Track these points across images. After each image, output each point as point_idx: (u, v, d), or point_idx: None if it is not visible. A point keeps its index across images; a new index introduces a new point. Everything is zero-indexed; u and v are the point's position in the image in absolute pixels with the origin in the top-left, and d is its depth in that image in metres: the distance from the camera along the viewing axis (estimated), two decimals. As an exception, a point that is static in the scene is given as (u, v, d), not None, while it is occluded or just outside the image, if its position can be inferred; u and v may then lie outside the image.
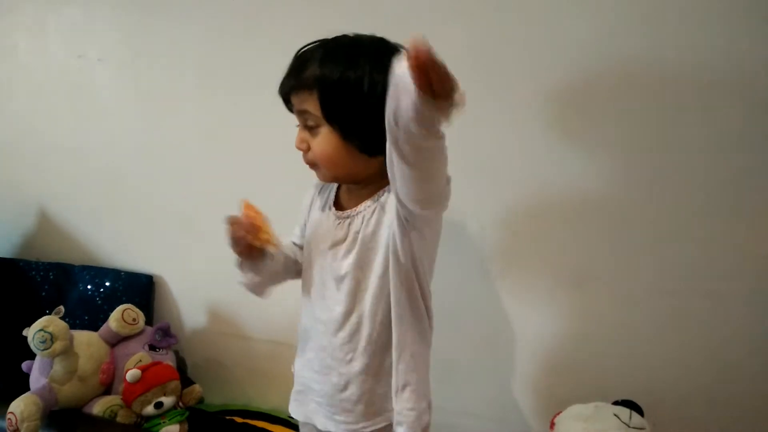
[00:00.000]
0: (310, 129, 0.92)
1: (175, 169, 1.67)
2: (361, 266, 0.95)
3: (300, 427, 1.16)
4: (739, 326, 1.18)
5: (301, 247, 1.10)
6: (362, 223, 0.94)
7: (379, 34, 0.91)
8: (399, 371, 0.96)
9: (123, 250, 1.81)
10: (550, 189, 1.26)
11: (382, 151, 0.80)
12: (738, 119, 1.11)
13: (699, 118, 1.13)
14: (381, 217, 0.93)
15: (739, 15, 1.07)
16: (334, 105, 0.88)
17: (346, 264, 0.95)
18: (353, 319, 0.96)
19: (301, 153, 0.96)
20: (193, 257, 1.72)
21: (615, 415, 1.16)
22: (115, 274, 1.77)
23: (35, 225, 1.92)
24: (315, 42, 0.93)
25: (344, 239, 0.96)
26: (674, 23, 1.11)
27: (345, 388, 0.99)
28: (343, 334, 0.97)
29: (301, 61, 0.91)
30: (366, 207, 0.95)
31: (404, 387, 0.97)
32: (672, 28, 1.11)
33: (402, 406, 0.97)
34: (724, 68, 1.09)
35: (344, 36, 0.92)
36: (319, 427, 1.05)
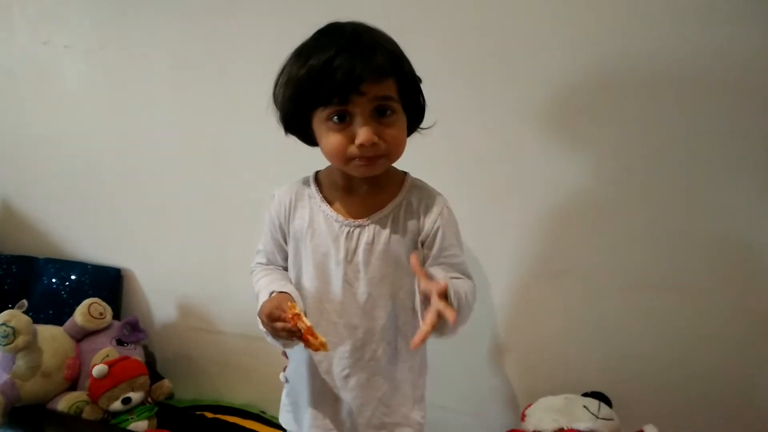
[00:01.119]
0: (382, 117, 0.84)
1: (145, 160, 1.64)
2: (382, 282, 0.93)
3: None
4: (707, 320, 1.21)
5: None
6: (380, 231, 0.92)
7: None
8: (420, 384, 1.01)
9: (90, 243, 1.77)
10: (526, 185, 1.27)
11: None
12: (713, 119, 1.12)
13: (673, 119, 1.15)
14: (398, 228, 0.93)
15: (729, 14, 1.08)
16: (409, 92, 0.87)
17: (365, 279, 0.93)
18: (375, 336, 0.95)
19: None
20: (164, 251, 1.69)
21: (584, 406, 1.18)
22: (81, 267, 1.72)
23: (-3, 216, 1.87)
24: (340, 23, 0.87)
25: (357, 248, 0.92)
26: (667, 23, 1.11)
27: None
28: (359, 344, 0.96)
29: (366, 45, 0.82)
30: (379, 216, 0.93)
31: (422, 398, 1.02)
32: (664, 27, 1.12)
33: (420, 415, 1.01)
34: (708, 67, 1.10)
35: (360, 23, 0.88)
36: None
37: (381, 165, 0.88)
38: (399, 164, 0.94)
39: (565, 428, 1.16)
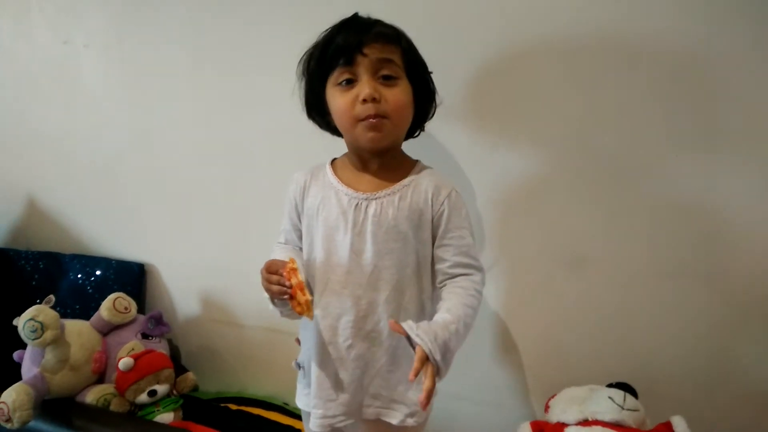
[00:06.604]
0: (385, 80, 0.92)
1: (166, 155, 1.65)
2: (389, 255, 0.96)
3: (304, 416, 1.16)
4: (734, 309, 1.18)
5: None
6: (388, 205, 0.96)
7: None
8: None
9: (113, 239, 1.79)
10: (544, 171, 1.25)
11: (412, 132, 1.03)
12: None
13: (690, 90, 1.12)
14: (405, 204, 0.97)
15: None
16: (414, 64, 0.95)
17: (372, 251, 0.96)
18: (375, 308, 0.98)
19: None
20: (186, 245, 1.70)
21: (609, 397, 1.16)
22: (105, 262, 1.75)
23: (24, 214, 1.90)
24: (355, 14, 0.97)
25: (365, 219, 0.96)
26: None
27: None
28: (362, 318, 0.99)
29: (368, 21, 0.94)
30: (388, 192, 0.97)
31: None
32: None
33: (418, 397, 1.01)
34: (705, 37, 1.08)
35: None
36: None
37: (387, 130, 0.93)
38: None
39: (590, 419, 1.14)
